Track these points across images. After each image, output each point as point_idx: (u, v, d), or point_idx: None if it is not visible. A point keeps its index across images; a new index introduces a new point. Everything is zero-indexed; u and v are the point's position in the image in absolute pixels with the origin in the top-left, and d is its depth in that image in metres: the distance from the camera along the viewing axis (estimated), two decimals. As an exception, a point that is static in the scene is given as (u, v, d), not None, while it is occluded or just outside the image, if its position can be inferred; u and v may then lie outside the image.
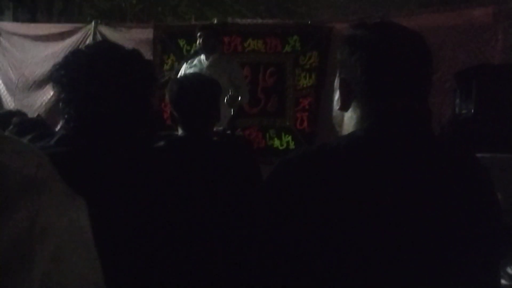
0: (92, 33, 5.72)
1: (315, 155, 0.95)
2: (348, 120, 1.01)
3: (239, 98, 4.08)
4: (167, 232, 1.27)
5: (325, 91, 5.11)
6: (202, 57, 4.59)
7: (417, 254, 0.86)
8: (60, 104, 1.28)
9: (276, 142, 5.34)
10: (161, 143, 1.98)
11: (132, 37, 5.66)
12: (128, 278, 1.13)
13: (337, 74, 1.04)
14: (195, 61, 4.61)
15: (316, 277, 0.87)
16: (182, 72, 4.61)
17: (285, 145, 5.31)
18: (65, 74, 1.23)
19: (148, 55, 5.16)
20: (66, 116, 1.26)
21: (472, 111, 2.82)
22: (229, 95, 3.86)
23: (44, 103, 5.72)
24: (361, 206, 0.86)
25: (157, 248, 1.24)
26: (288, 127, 5.34)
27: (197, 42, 4.63)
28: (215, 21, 6.07)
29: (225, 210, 1.76)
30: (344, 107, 1.01)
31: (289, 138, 5.31)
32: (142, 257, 1.21)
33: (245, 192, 1.92)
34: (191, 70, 4.49)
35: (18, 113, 3.01)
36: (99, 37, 5.73)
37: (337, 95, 1.03)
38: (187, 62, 4.70)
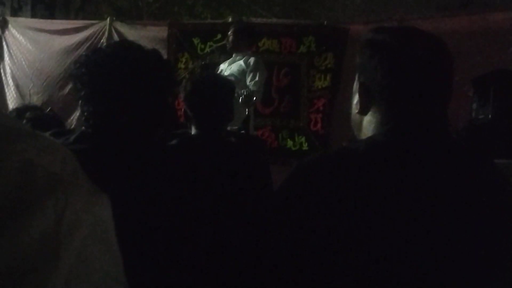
0: (107, 29, 5.75)
1: (334, 159, 0.96)
2: (367, 124, 1.02)
3: (254, 98, 4.08)
4: (181, 229, 1.29)
5: (340, 93, 5.10)
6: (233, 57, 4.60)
7: (436, 258, 0.87)
8: (80, 101, 1.31)
9: (289, 143, 5.33)
10: (175, 141, 2.01)
11: (147, 35, 5.70)
12: (146, 275, 1.15)
13: (356, 78, 1.05)
14: (221, 65, 4.64)
15: (334, 280, 0.87)
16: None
17: (298, 146, 5.30)
18: (86, 72, 1.26)
19: (163, 53, 5.17)
20: (85, 114, 1.29)
21: (490, 116, 2.81)
22: (244, 95, 3.88)
23: (59, 98, 5.77)
24: (379, 210, 0.87)
25: (172, 245, 1.27)
26: (302, 128, 5.33)
27: (227, 39, 4.60)
28: (230, 20, 6.07)
29: (234, 209, 1.78)
30: (363, 111, 1.02)
31: (303, 139, 5.30)
32: (159, 253, 1.23)
33: (255, 191, 1.94)
34: (226, 70, 4.49)
35: (33, 108, 3.04)
36: (114, 34, 5.77)
37: (356, 99, 1.04)
38: (208, 65, 4.71)
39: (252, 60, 4.49)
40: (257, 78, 4.38)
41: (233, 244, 1.70)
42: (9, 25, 6.19)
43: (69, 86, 5.52)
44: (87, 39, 5.77)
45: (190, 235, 1.33)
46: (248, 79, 4.33)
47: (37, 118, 2.58)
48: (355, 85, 1.06)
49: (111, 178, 1.11)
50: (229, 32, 4.58)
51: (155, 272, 1.20)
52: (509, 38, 4.51)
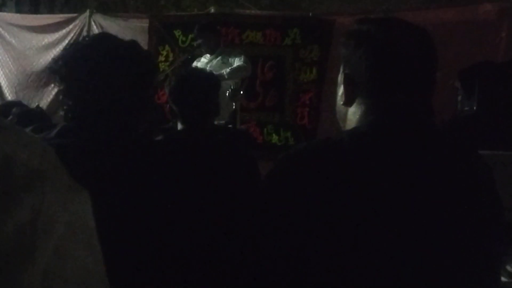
0: (87, 22, 5.72)
1: (318, 150, 0.98)
2: (352, 115, 1.04)
3: (241, 92, 4.12)
4: (166, 225, 1.30)
5: (326, 86, 5.13)
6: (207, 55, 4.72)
7: (419, 249, 0.89)
8: (60, 95, 1.31)
9: (274, 138, 5.36)
10: (161, 136, 2.02)
11: (128, 27, 5.68)
12: (129, 272, 1.16)
13: (341, 69, 1.07)
14: (202, 58, 4.74)
15: (320, 274, 0.89)
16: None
17: (283, 141, 5.33)
18: (64, 66, 1.26)
19: (144, 45, 5.18)
20: (65, 108, 1.30)
21: (475, 108, 2.86)
22: (231, 89, 3.90)
23: (44, 94, 5.74)
24: (364, 201, 0.89)
25: (156, 241, 1.27)
26: (288, 123, 5.37)
27: (196, 41, 4.74)
28: (212, 10, 6.06)
29: (221, 204, 1.80)
30: (348, 102, 1.04)
31: (288, 134, 5.34)
32: (143, 250, 1.24)
33: (242, 186, 1.96)
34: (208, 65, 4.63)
35: (18, 104, 3.05)
36: (94, 27, 5.74)
37: (341, 90, 1.06)
38: (192, 59, 4.82)
39: (233, 54, 4.57)
40: (239, 62, 4.45)
41: (219, 241, 1.72)
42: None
43: (54, 82, 5.49)
44: (68, 33, 5.76)
45: (175, 231, 1.35)
46: (235, 83, 4.39)
47: (23, 113, 2.59)
48: (340, 77, 1.08)
49: (93, 173, 1.12)
50: (196, 43, 4.73)
51: (139, 269, 1.21)
52: (495, 29, 4.59)
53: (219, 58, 4.64)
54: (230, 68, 4.43)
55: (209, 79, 2.17)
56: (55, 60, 1.30)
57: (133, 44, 1.37)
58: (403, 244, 0.89)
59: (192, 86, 2.06)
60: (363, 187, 0.90)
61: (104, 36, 1.43)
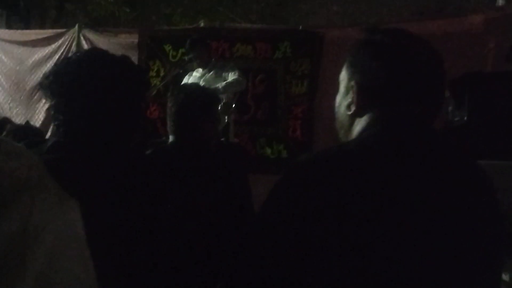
0: (76, 37, 5.73)
1: (328, 159, 0.97)
2: (358, 125, 1.04)
3: (233, 106, 4.15)
4: (154, 236, 1.31)
5: (318, 99, 5.16)
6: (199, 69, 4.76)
7: (423, 256, 0.90)
8: (51, 111, 1.32)
9: (267, 151, 5.37)
10: (151, 150, 2.02)
11: (117, 42, 5.70)
12: (118, 279, 1.16)
13: (347, 78, 1.07)
14: (194, 73, 4.77)
15: (325, 278, 0.90)
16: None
17: (276, 154, 5.35)
18: (54, 81, 1.27)
19: (134, 60, 5.20)
20: (56, 123, 1.30)
21: (465, 118, 2.89)
22: (223, 103, 3.93)
23: (37, 110, 5.74)
24: (372, 208, 0.90)
25: (146, 252, 1.28)
26: (280, 136, 5.38)
27: (188, 55, 4.75)
28: (202, 24, 6.10)
29: (211, 216, 1.80)
30: (358, 112, 1.04)
31: (281, 146, 5.35)
32: (132, 259, 1.24)
33: (232, 200, 1.97)
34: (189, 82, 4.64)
35: (7, 121, 3.07)
36: (83, 42, 5.75)
37: (347, 100, 1.06)
38: (183, 74, 4.85)
39: (225, 68, 4.59)
40: (233, 77, 4.47)
41: (209, 251, 1.72)
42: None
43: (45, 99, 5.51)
44: (58, 48, 5.78)
45: (164, 242, 1.35)
46: (227, 97, 4.41)
47: (17, 129, 2.60)
48: (344, 86, 1.07)
49: (83, 187, 1.13)
50: (187, 57, 4.75)
51: (127, 279, 1.21)
52: (484, 40, 4.65)
53: (212, 72, 4.67)
54: (225, 82, 4.44)
55: (208, 95, 2.20)
56: (46, 76, 1.31)
57: (125, 59, 1.38)
58: (410, 249, 0.90)
59: (192, 102, 2.07)
60: (372, 196, 0.90)
61: (95, 52, 1.44)
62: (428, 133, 1.01)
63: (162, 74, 5.61)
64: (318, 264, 0.90)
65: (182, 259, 1.48)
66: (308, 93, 5.33)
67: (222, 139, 3.65)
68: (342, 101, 1.08)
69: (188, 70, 4.90)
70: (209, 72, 4.67)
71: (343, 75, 1.09)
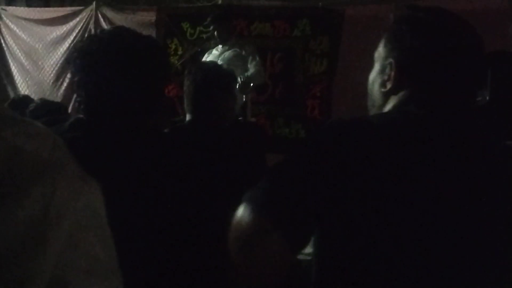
0: (93, 15, 5.74)
1: (363, 122, 0.98)
2: (391, 101, 1.04)
3: (251, 85, 4.12)
4: (174, 214, 1.32)
5: (337, 78, 5.11)
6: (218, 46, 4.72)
7: (446, 231, 0.91)
8: (73, 87, 1.33)
9: (285, 131, 5.35)
10: (169, 128, 2.04)
11: (135, 20, 5.69)
12: (141, 260, 1.18)
13: (383, 55, 1.07)
14: (213, 51, 4.73)
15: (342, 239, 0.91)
16: None
17: (294, 134, 5.33)
18: (79, 57, 1.28)
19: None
20: (78, 100, 1.32)
21: (487, 98, 2.85)
22: (241, 81, 3.91)
23: (55, 88, 5.80)
24: (407, 178, 0.90)
25: (166, 230, 1.29)
26: (298, 115, 5.36)
27: (211, 31, 4.70)
28: (220, 2, 6.05)
29: (229, 195, 1.81)
30: (395, 89, 1.04)
31: (299, 126, 5.32)
32: (153, 241, 1.26)
33: (249, 178, 1.97)
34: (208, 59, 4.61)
35: (27, 99, 3.10)
36: (101, 20, 5.76)
37: (384, 77, 1.06)
38: (201, 52, 4.82)
39: (245, 48, 4.54)
40: (253, 69, 4.43)
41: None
42: (2, 15, 6.20)
43: (64, 76, 5.57)
44: (75, 25, 5.81)
45: (184, 222, 1.36)
46: (248, 68, 4.38)
47: (39, 107, 2.64)
48: (380, 63, 1.07)
49: (105, 165, 1.14)
50: (210, 28, 4.68)
51: (149, 261, 1.23)
52: (508, 18, 4.54)
53: (231, 50, 4.62)
54: (246, 75, 4.39)
55: (230, 76, 2.20)
56: (72, 51, 1.32)
57: (150, 38, 1.39)
58: (431, 223, 0.91)
59: (209, 82, 2.08)
60: (398, 167, 0.91)
61: (121, 30, 1.45)
62: (462, 113, 1.01)
63: (179, 52, 5.60)
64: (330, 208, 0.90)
65: (201, 238, 1.50)
66: (327, 72, 5.27)
67: (240, 118, 3.65)
68: (377, 78, 1.08)
69: (206, 49, 4.89)
70: (228, 50, 4.64)
71: (380, 52, 1.08)
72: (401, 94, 1.03)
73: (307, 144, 1.02)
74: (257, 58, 4.58)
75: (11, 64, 6.12)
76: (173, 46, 5.64)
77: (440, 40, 1.01)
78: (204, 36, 4.87)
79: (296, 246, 0.91)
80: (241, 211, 0.92)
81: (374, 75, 1.10)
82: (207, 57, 4.73)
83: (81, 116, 1.30)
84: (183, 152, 1.56)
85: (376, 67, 1.09)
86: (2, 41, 6.15)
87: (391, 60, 1.04)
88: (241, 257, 0.93)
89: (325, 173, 0.91)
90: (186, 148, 1.68)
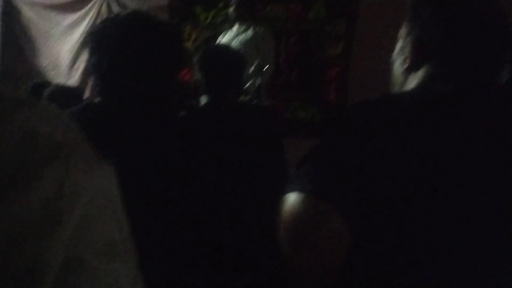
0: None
1: (392, 100, 0.99)
2: (412, 80, 1.04)
3: (265, 69, 4.10)
4: (188, 197, 1.33)
5: (354, 61, 5.07)
6: (235, 26, 4.68)
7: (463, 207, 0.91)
8: (89, 69, 1.34)
9: (301, 115, 5.33)
10: (184, 111, 2.04)
11: (148, 5, 5.66)
12: (156, 240, 1.19)
13: (406, 33, 1.06)
14: (228, 33, 4.71)
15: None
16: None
17: (310, 117, 5.31)
18: (94, 40, 1.29)
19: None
20: (93, 83, 1.32)
21: (508, 76, 2.80)
22: (256, 65, 3.89)
23: (72, 73, 5.86)
24: (419, 160, 0.90)
25: (180, 213, 1.30)
26: (314, 99, 5.33)
27: (229, 9, 4.64)
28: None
29: (244, 178, 1.82)
30: (413, 67, 1.03)
31: (315, 110, 5.30)
32: (167, 222, 1.27)
33: (264, 162, 1.98)
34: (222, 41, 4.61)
35: (45, 84, 3.15)
36: (114, 4, 5.76)
37: (404, 55, 1.05)
38: (215, 37, 4.79)
39: (259, 32, 4.50)
40: (267, 55, 4.40)
41: (244, 216, 1.74)
42: (18, 1, 6.26)
43: (80, 61, 5.62)
44: (89, 10, 5.85)
45: (199, 204, 1.37)
46: (259, 56, 4.35)
47: (55, 91, 2.68)
48: (402, 41, 1.07)
49: (119, 147, 1.15)
50: (232, 2, 4.60)
51: (164, 240, 1.24)
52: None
53: (246, 32, 4.59)
54: (257, 59, 4.36)
55: (236, 56, 2.19)
56: (88, 33, 1.33)
57: (164, 22, 1.39)
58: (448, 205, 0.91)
59: (219, 62, 2.07)
60: (420, 146, 0.91)
61: (136, 13, 1.45)
62: (482, 91, 1.00)
63: (193, 37, 5.59)
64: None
65: (214, 222, 1.51)
66: (343, 55, 5.24)
67: (254, 102, 3.64)
68: (397, 56, 1.09)
69: (219, 33, 4.86)
70: (244, 32, 4.60)
71: (402, 31, 1.08)
72: (422, 71, 1.02)
73: (341, 126, 1.00)
74: (271, 52, 4.54)
75: (28, 49, 6.18)
76: (187, 31, 5.63)
77: (459, 16, 1.00)
78: (218, 20, 4.83)
79: (355, 225, 0.90)
80: (292, 199, 0.91)
81: (395, 54, 1.10)
82: (221, 40, 4.71)
83: (95, 99, 1.31)
84: (197, 136, 1.57)
85: (398, 45, 1.09)
86: (18, 26, 6.20)
87: (411, 37, 1.04)
88: (302, 244, 0.91)
89: (361, 154, 0.91)
90: (201, 132, 1.69)
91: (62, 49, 5.96)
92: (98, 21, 5.51)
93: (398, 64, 1.08)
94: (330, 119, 4.89)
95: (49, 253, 0.50)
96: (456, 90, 0.98)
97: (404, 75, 1.06)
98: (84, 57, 5.55)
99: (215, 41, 4.83)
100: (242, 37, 4.58)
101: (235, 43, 4.42)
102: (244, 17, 4.59)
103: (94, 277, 0.54)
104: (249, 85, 4.11)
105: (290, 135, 4.62)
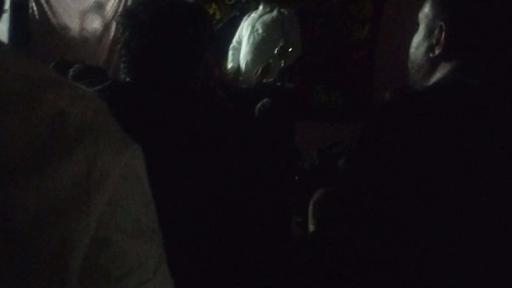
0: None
1: (418, 102, 0.97)
2: (441, 68, 1.01)
3: (290, 50, 4.07)
4: (215, 179, 1.34)
5: (380, 45, 5.00)
6: (260, 6, 4.63)
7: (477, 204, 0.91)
8: (119, 48, 1.36)
9: (323, 98, 5.30)
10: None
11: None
12: (181, 223, 1.21)
13: (433, 16, 1.02)
14: (252, 13, 4.66)
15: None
16: (242, 28, 4.62)
17: (333, 101, 5.27)
18: (125, 19, 1.32)
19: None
20: (122, 60, 1.35)
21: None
22: (280, 46, 3.87)
23: (96, 54, 5.90)
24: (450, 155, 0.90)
25: (205, 194, 1.31)
26: (338, 83, 5.28)
27: None
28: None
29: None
30: (445, 55, 1.00)
31: (338, 94, 5.26)
32: (194, 203, 1.29)
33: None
34: (246, 23, 4.57)
35: (70, 62, 3.18)
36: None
37: (431, 41, 1.02)
38: (240, 16, 4.75)
39: (284, 13, 4.45)
40: (292, 38, 4.34)
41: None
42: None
43: (106, 39, 5.64)
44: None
45: (225, 189, 1.38)
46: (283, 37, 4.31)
47: (81, 70, 2.71)
48: (427, 25, 1.03)
49: (147, 128, 1.17)
50: None
51: (189, 222, 1.26)
52: None
53: (271, 14, 4.55)
54: (281, 42, 4.33)
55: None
56: (122, 12, 1.36)
57: (197, 5, 1.40)
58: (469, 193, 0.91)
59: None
60: (453, 141, 0.91)
61: None
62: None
63: (218, 17, 5.56)
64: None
65: (241, 204, 1.51)
66: (369, 38, 5.17)
67: (278, 84, 3.63)
68: (423, 42, 1.05)
69: (245, 13, 4.83)
70: (269, 13, 4.56)
71: (425, 13, 1.04)
72: (453, 61, 0.99)
73: (370, 131, 1.01)
74: (297, 27, 4.47)
75: (56, 27, 6.22)
76: (211, 11, 5.59)
77: (495, 2, 0.97)
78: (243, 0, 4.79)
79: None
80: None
81: (419, 39, 1.06)
82: (246, 20, 4.68)
83: (118, 79, 1.33)
84: (219, 116, 1.57)
85: (422, 29, 1.05)
86: (46, 5, 6.24)
87: (440, 22, 1.00)
88: None
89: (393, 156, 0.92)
90: (222, 113, 1.69)
91: (90, 26, 6.00)
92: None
93: (424, 50, 1.04)
94: (353, 106, 4.84)
95: (78, 233, 0.51)
96: (489, 82, 0.96)
97: (433, 63, 1.03)
98: (110, 35, 5.64)
99: (240, 21, 4.80)
100: (266, 17, 4.55)
101: (259, 24, 4.40)
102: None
103: (122, 256, 0.56)
104: (273, 67, 4.10)
105: (312, 119, 4.61)
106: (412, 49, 1.07)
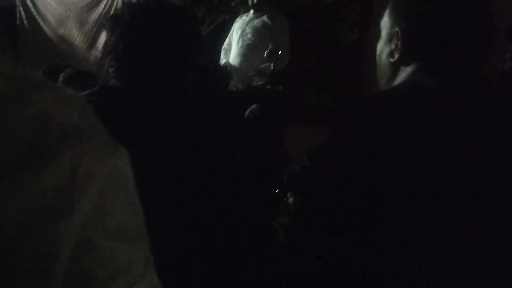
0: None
1: (379, 103, 1.00)
2: (402, 72, 1.04)
3: (279, 53, 4.08)
4: (205, 181, 1.35)
5: (369, 47, 5.02)
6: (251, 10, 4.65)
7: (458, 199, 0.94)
8: (107, 52, 1.38)
9: (315, 100, 5.32)
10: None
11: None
12: (169, 226, 1.22)
13: (391, 24, 1.06)
14: (243, 16, 4.68)
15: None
16: (233, 31, 4.64)
17: (324, 103, 5.29)
18: (114, 23, 1.33)
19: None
20: (110, 64, 1.36)
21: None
22: (269, 49, 3.88)
23: (90, 56, 5.87)
24: (412, 152, 0.93)
25: (192, 197, 1.33)
26: (329, 85, 5.31)
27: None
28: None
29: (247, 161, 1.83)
30: (403, 60, 1.03)
31: (330, 96, 5.29)
32: (179, 206, 1.30)
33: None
34: (237, 26, 4.58)
35: (60, 67, 3.18)
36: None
37: (391, 47, 1.05)
38: (230, 20, 4.75)
39: (274, 16, 4.47)
40: (282, 41, 4.36)
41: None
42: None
43: (97, 44, 5.63)
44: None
45: (213, 189, 1.39)
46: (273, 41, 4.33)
47: (71, 75, 2.70)
48: (387, 32, 1.06)
49: (134, 131, 1.18)
50: (234, 2, 4.66)
51: (175, 225, 1.27)
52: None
53: (260, 19, 4.58)
54: (270, 46, 4.34)
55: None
56: (109, 17, 1.37)
57: (182, 7, 1.41)
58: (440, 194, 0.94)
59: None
60: (415, 138, 0.93)
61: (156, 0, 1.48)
62: (475, 82, 1.01)
63: (207, 21, 5.57)
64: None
65: (228, 204, 1.52)
66: (359, 40, 5.20)
67: (268, 86, 3.65)
68: (384, 48, 1.08)
69: (235, 16, 4.85)
70: (259, 17, 4.58)
71: (385, 21, 1.08)
72: (411, 65, 1.01)
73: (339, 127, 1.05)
74: (287, 30, 4.49)
75: (46, 32, 6.19)
76: (200, 15, 5.59)
77: (446, 6, 0.99)
78: (232, 3, 4.81)
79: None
80: None
81: (381, 46, 1.08)
82: (237, 23, 4.70)
83: (107, 84, 1.35)
84: (210, 120, 1.59)
85: (383, 36, 1.07)
86: (34, 10, 6.22)
87: (397, 29, 1.03)
88: None
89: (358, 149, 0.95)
90: (213, 116, 1.70)
91: (78, 32, 5.97)
92: (115, 4, 5.54)
93: (385, 56, 1.07)
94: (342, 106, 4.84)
95: (62, 237, 0.51)
96: (445, 84, 0.98)
97: (393, 68, 1.05)
98: (101, 39, 5.62)
99: (230, 25, 4.82)
100: (256, 21, 4.57)
101: (248, 28, 4.42)
102: (260, 8, 4.54)
103: (106, 259, 0.55)
104: (263, 70, 4.11)
105: (304, 121, 4.63)
106: (377, 56, 1.11)
